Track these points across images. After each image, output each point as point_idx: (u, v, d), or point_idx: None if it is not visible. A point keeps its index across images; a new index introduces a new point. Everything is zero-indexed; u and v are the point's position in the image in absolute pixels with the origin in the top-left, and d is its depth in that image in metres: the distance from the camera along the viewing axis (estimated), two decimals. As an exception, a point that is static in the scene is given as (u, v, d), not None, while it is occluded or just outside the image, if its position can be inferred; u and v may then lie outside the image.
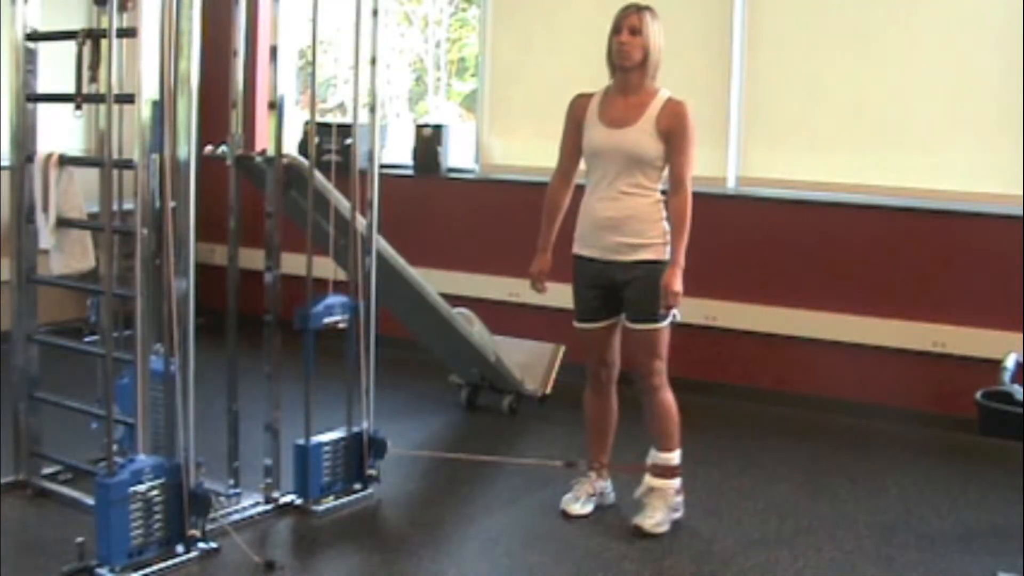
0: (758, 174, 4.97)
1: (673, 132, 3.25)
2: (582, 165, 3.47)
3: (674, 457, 3.40)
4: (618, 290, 3.34)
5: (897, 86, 4.68)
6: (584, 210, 3.38)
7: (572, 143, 3.42)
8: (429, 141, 5.63)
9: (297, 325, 3.42)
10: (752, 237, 4.93)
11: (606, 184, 3.30)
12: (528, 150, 5.42)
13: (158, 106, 2.93)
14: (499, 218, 5.46)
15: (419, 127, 5.76)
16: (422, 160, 5.65)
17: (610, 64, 3.32)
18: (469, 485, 3.79)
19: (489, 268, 5.39)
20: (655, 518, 3.34)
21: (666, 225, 3.30)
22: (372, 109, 3.54)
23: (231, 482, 3.46)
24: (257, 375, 3.47)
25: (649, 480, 3.40)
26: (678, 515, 3.42)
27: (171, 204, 2.98)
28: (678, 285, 3.24)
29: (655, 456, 3.41)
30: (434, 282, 4.37)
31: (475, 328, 4.43)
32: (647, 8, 3.28)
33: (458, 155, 5.77)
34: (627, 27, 3.25)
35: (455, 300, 4.55)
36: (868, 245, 4.71)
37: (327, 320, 3.46)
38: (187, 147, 2.97)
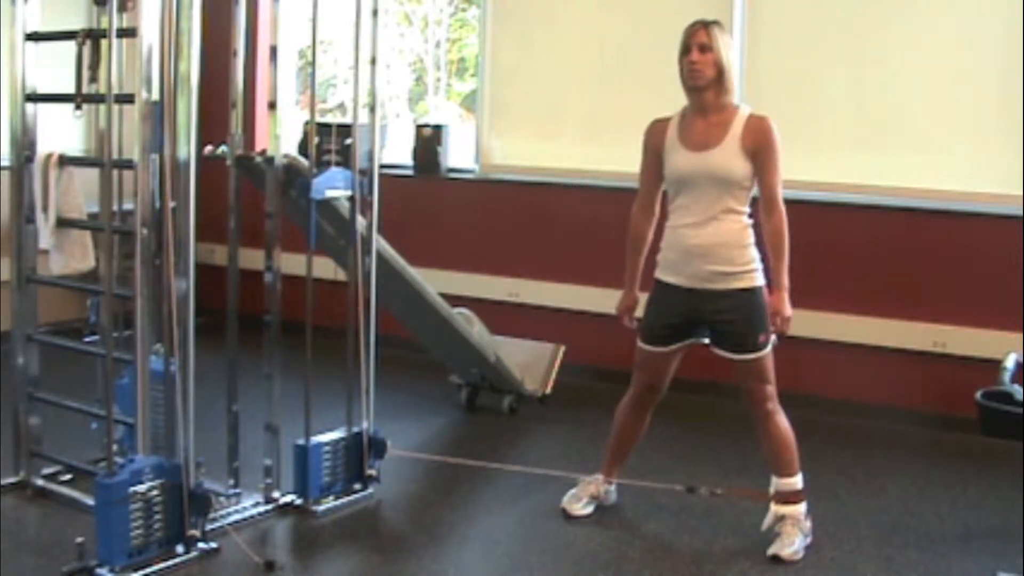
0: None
1: (760, 149, 3.15)
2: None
3: (797, 481, 3.30)
4: (701, 318, 3.25)
5: (896, 86, 4.67)
6: (670, 237, 3.27)
7: (652, 171, 3.31)
8: (429, 141, 5.62)
9: (299, 193, 3.35)
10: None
11: (694, 209, 3.20)
12: (528, 150, 5.41)
13: (158, 106, 2.93)
14: (499, 218, 5.45)
15: (419, 127, 5.76)
16: (422, 160, 5.64)
17: (685, 86, 3.21)
18: (469, 485, 3.78)
19: (489, 268, 5.37)
20: (793, 546, 3.22)
21: (755, 251, 3.23)
22: (372, 109, 3.54)
23: (231, 482, 3.46)
24: (257, 375, 3.47)
25: (776, 508, 3.28)
26: (809, 540, 3.29)
27: (171, 204, 2.98)
28: (788, 310, 3.18)
29: (777, 484, 3.30)
30: (434, 282, 4.35)
31: (475, 328, 4.42)
32: (715, 22, 3.19)
33: (458, 155, 5.75)
34: (696, 45, 3.14)
35: (455, 300, 4.54)
36: (867, 245, 4.71)
37: (330, 192, 3.40)
38: (187, 147, 2.96)
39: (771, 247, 3.20)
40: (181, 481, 2.99)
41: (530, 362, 4.64)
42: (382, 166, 3.69)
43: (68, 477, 3.53)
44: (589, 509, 3.49)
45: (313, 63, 3.57)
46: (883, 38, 4.70)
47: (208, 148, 3.42)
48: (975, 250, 4.52)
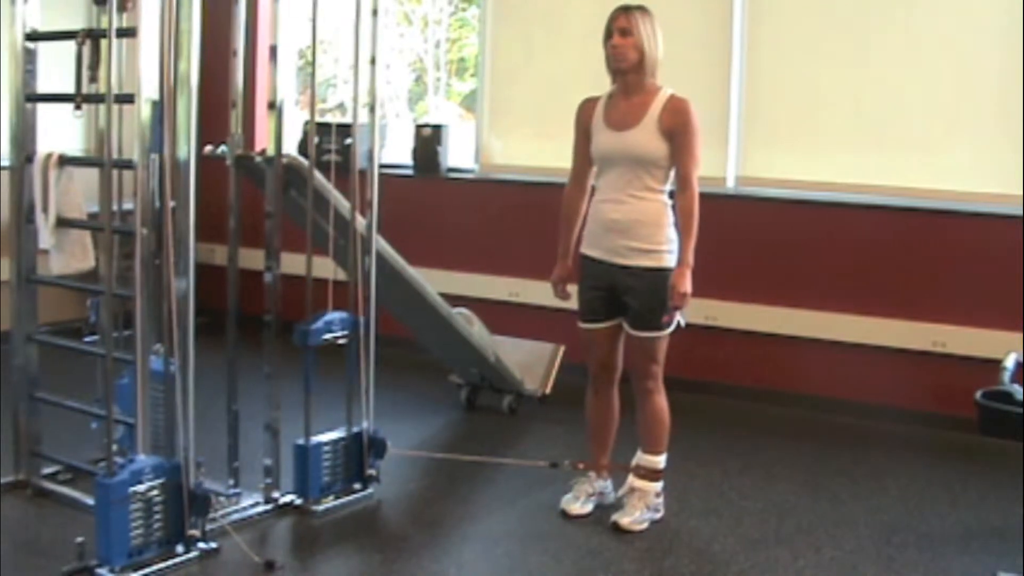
0: (758, 174, 4.96)
1: (676, 130, 3.24)
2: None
3: (660, 461, 3.41)
4: (620, 294, 3.34)
5: (898, 85, 4.67)
6: (592, 212, 3.39)
7: (583, 148, 3.42)
8: (429, 141, 5.62)
9: (296, 342, 3.41)
10: (752, 237, 4.92)
11: (614, 187, 3.30)
12: (528, 150, 5.41)
13: (158, 106, 2.93)
14: (499, 218, 5.44)
15: (419, 127, 5.75)
16: (422, 160, 5.64)
17: (609, 69, 3.31)
18: (469, 485, 3.78)
19: (489, 268, 5.38)
20: (632, 516, 3.36)
21: (673, 232, 3.29)
22: (372, 109, 3.54)
23: (231, 482, 3.45)
24: (257, 375, 3.47)
25: (632, 481, 3.42)
26: (659, 515, 3.43)
27: (171, 204, 2.98)
28: (686, 286, 3.23)
29: (641, 458, 3.42)
30: (434, 282, 4.35)
31: (475, 328, 4.42)
32: (636, 7, 3.28)
33: (458, 155, 5.75)
34: (617, 29, 3.26)
35: (455, 300, 4.54)
36: (868, 245, 4.70)
37: (327, 336, 3.45)
38: (187, 147, 2.96)
39: (681, 225, 3.26)
40: (181, 481, 2.98)
41: (530, 362, 4.65)
42: (382, 166, 3.69)
43: (68, 477, 3.52)
44: (588, 507, 3.50)
45: (313, 63, 3.57)
46: (884, 37, 4.70)
47: (208, 148, 3.42)
48: (975, 250, 4.51)
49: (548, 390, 4.62)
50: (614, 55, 3.26)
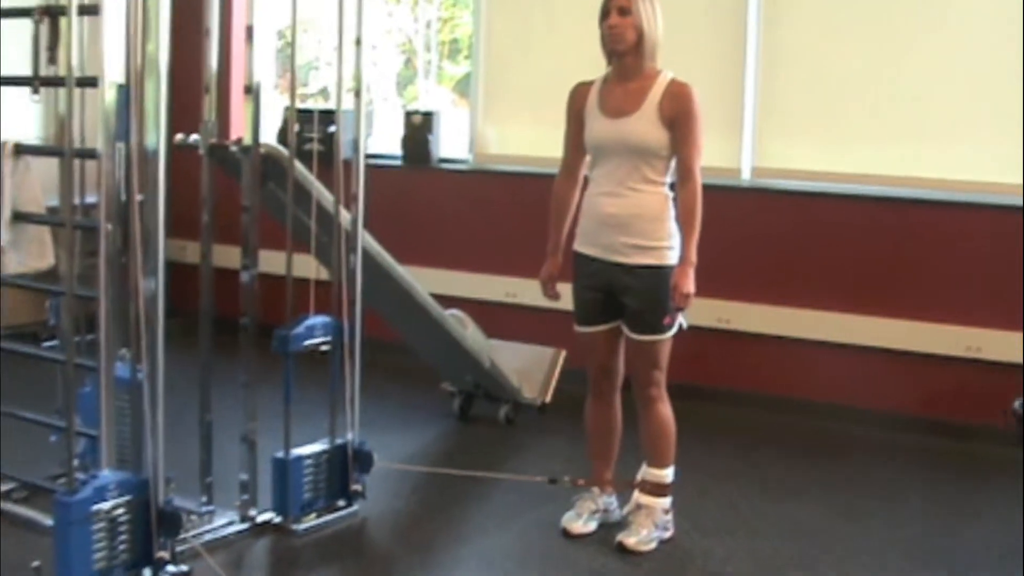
0: (774, 165, 4.95)
1: (678, 117, 3.23)
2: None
3: (667, 474, 3.40)
4: (618, 294, 3.33)
5: (926, 69, 4.66)
6: (587, 206, 3.37)
7: (575, 136, 3.41)
8: (419, 129, 5.61)
9: (276, 348, 3.41)
10: (768, 233, 4.91)
11: (610, 179, 3.29)
12: (526, 139, 5.41)
13: (124, 90, 2.92)
14: (495, 212, 5.45)
15: (408, 114, 5.75)
16: (411, 149, 5.64)
17: (605, 50, 3.30)
18: (462, 501, 3.78)
19: (484, 266, 5.38)
20: (639, 535, 3.35)
21: (674, 226, 3.28)
22: (357, 94, 3.54)
23: (203, 499, 3.44)
24: (232, 383, 3.46)
25: (638, 497, 3.41)
26: (668, 534, 3.42)
27: (138, 197, 2.96)
28: (689, 286, 3.22)
29: (646, 472, 3.41)
30: (424, 281, 4.35)
31: (469, 331, 4.43)
32: None
33: (450, 144, 5.75)
34: (615, 8, 3.23)
35: (447, 301, 4.54)
36: (896, 241, 4.68)
37: (308, 343, 3.45)
38: (156, 135, 2.95)
39: (682, 219, 3.25)
40: (149, 498, 2.97)
41: (528, 368, 4.65)
42: (368, 156, 3.69)
43: (24, 495, 3.50)
44: (591, 526, 3.49)
45: (293, 44, 3.56)
46: (911, 17, 4.68)
47: (179, 136, 3.42)
48: (1014, 247, 4.46)
49: (548, 398, 4.62)
50: (611, 35, 3.24)
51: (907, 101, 4.68)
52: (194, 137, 3.43)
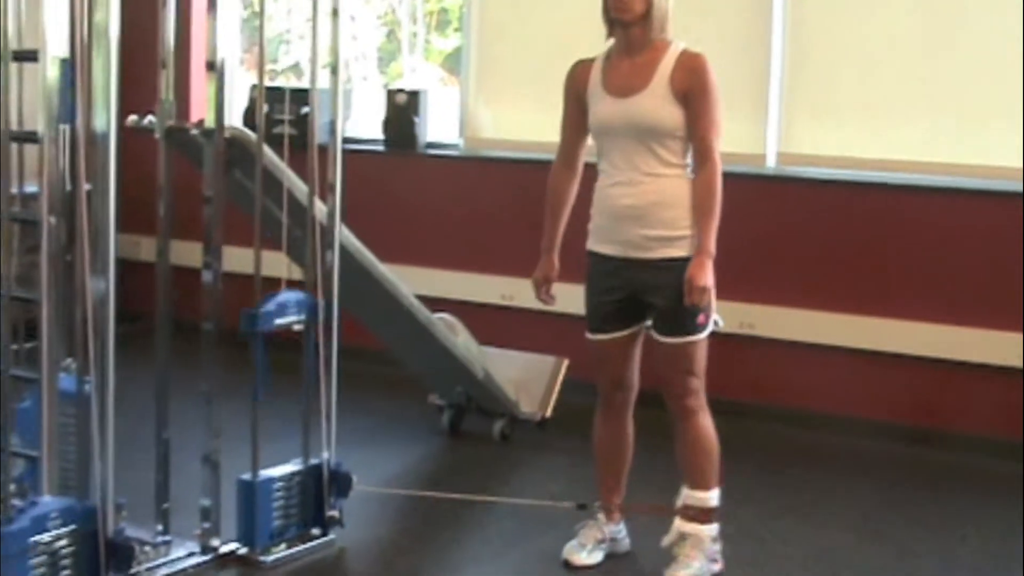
0: (803, 150, 4.94)
1: (692, 92, 3.22)
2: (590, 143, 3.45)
3: (711, 497, 3.36)
4: (641, 294, 3.31)
5: (975, 43, 4.64)
6: (598, 198, 3.36)
7: (574, 120, 3.42)
8: (403, 110, 5.62)
9: (243, 327, 3.39)
10: (797, 227, 4.90)
11: (622, 166, 3.28)
12: (525, 121, 5.40)
13: (68, 65, 2.89)
14: (489, 204, 5.45)
15: (391, 93, 5.76)
16: (395, 133, 5.65)
17: (607, 20, 3.29)
18: (452, 529, 3.77)
19: (476, 265, 5.39)
20: (690, 569, 3.29)
21: None
22: (334, 71, 3.53)
23: (159, 528, 3.42)
24: (192, 396, 3.44)
25: (680, 525, 3.35)
26: (717, 567, 3.38)
27: (85, 187, 2.96)
28: (704, 278, 3.20)
29: (688, 496, 3.36)
30: (409, 281, 4.35)
31: (459, 338, 4.43)
32: None
33: (438, 127, 5.75)
34: None
35: (435, 304, 4.53)
36: (942, 236, 4.67)
37: (280, 321, 3.43)
38: (105, 116, 2.94)
39: (698, 204, 3.25)
40: (96, 528, 2.95)
41: (526, 379, 4.66)
42: (346, 140, 3.74)
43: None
44: (597, 557, 3.48)
45: (261, 14, 3.54)
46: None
47: (132, 118, 3.40)
48: None
49: (548, 413, 4.63)
50: (616, 4, 3.23)
51: (957, 77, 4.66)
52: (149, 119, 3.41)
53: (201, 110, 3.47)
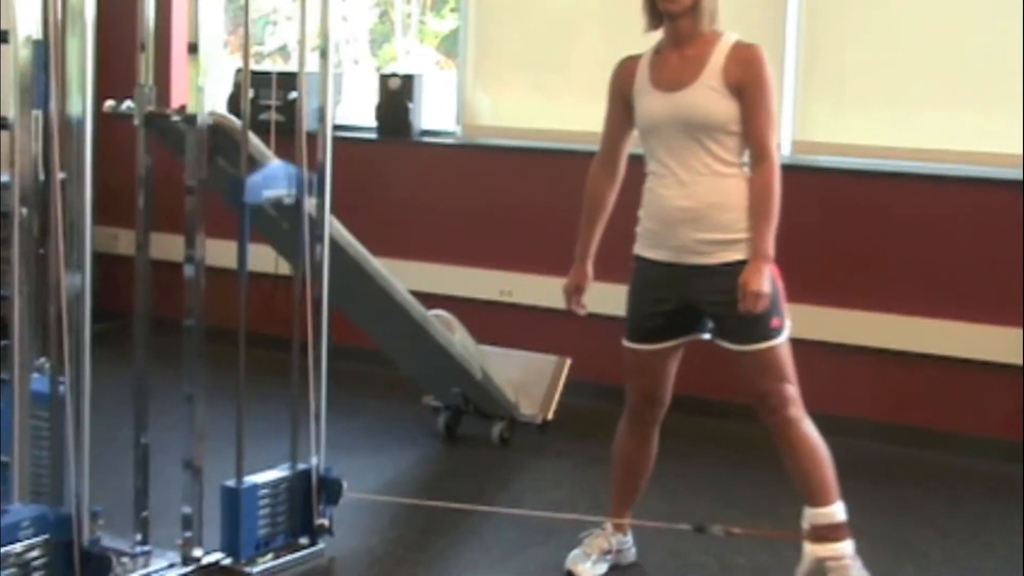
0: (820, 138, 4.96)
1: (746, 85, 3.19)
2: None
3: (837, 511, 3.28)
4: (696, 303, 3.28)
5: (999, 26, 4.62)
6: (649, 201, 3.32)
7: (617, 120, 3.39)
8: (397, 95, 5.62)
9: (229, 200, 3.34)
10: (814, 218, 4.87)
11: (673, 165, 3.25)
12: (525, 108, 5.41)
13: (41, 47, 2.89)
14: (487, 195, 5.44)
15: (384, 77, 5.76)
16: (388, 120, 5.64)
17: (649, 13, 3.26)
18: (448, 537, 3.77)
19: (474, 260, 5.38)
20: None
21: None
22: (323, 54, 3.53)
23: (138, 537, 3.41)
24: (173, 398, 3.42)
25: (814, 550, 3.27)
26: None
27: (60, 176, 2.95)
28: (760, 283, 3.16)
29: (812, 516, 3.28)
30: (403, 276, 4.33)
31: (456, 336, 4.42)
32: None
33: (434, 114, 5.76)
34: None
35: (431, 300, 4.53)
36: (970, 228, 4.66)
37: (268, 193, 3.40)
38: (80, 102, 2.93)
39: (754, 205, 3.23)
40: (71, 537, 2.94)
41: (527, 379, 4.66)
42: (336, 127, 3.75)
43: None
44: (601, 569, 3.48)
45: (247, -7, 3.57)
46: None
47: (109, 103, 3.39)
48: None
49: (550, 415, 4.63)
50: None
51: (981, 61, 4.65)
52: (127, 104, 3.39)
53: (182, 95, 3.43)
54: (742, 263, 3.20)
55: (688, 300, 3.28)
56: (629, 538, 3.53)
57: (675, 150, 3.24)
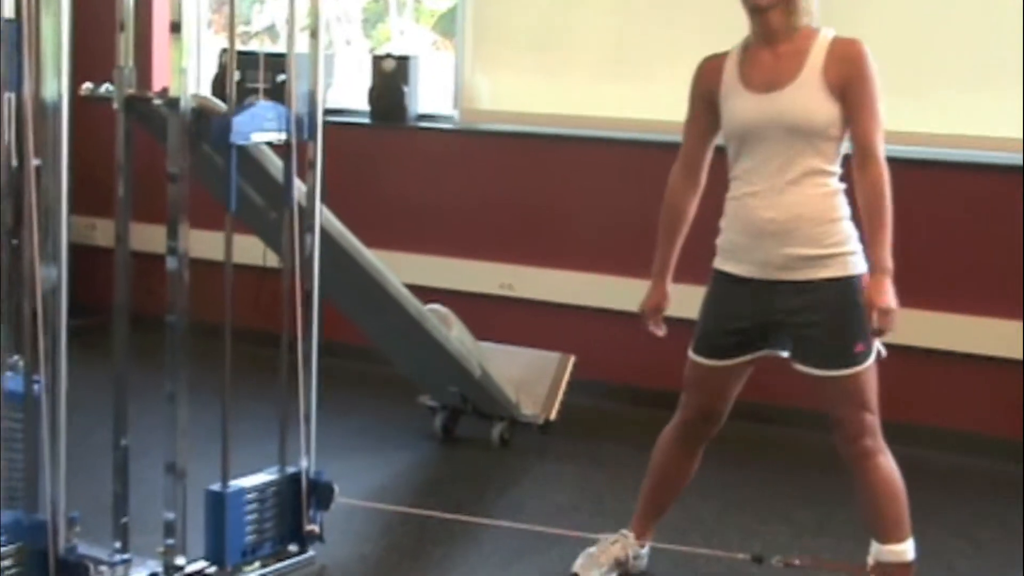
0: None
1: (850, 83, 3.14)
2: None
3: (907, 550, 3.28)
4: (779, 322, 3.25)
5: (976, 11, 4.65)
6: (733, 212, 3.28)
7: (701, 123, 3.35)
8: (391, 78, 5.62)
9: (214, 141, 3.34)
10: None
11: (762, 172, 3.20)
12: (526, 91, 5.42)
13: (14, 27, 2.90)
14: (486, 183, 5.45)
15: (377, 59, 5.76)
16: (382, 104, 5.65)
17: (745, 6, 3.19)
18: (445, 545, 3.77)
19: (472, 251, 5.39)
20: None
21: (850, 226, 3.21)
22: (314, 34, 3.52)
23: (117, 545, 3.40)
24: (155, 396, 3.40)
25: None
26: None
27: (34, 162, 2.94)
28: (887, 299, 3.13)
29: (880, 552, 3.29)
30: (397, 269, 4.34)
31: (453, 332, 4.42)
32: None
33: (431, 97, 5.77)
34: None
35: (427, 294, 4.53)
36: (967, 216, 4.65)
37: (256, 136, 3.38)
38: (56, 84, 2.92)
39: (867, 214, 3.18)
40: (46, 545, 2.94)
41: (528, 377, 4.66)
42: (327, 111, 3.67)
43: None
44: (610, 579, 3.52)
45: (232, -30, 3.56)
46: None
47: (87, 86, 3.40)
48: None
49: (553, 415, 4.63)
50: None
51: (958, 46, 4.66)
52: (106, 87, 3.39)
53: (164, 77, 3.41)
54: (831, 281, 3.17)
55: (769, 318, 3.25)
56: (646, 550, 3.53)
57: (767, 156, 3.19)
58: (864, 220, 3.19)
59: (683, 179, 3.40)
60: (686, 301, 3.44)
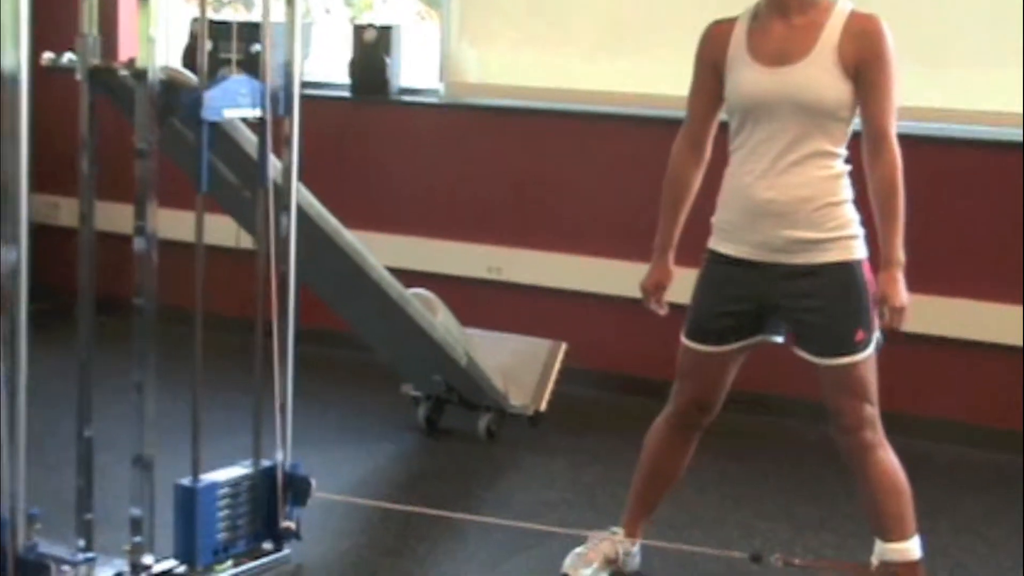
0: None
1: (865, 62, 3.12)
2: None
3: (913, 548, 3.29)
4: (775, 306, 3.25)
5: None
6: (731, 190, 3.28)
7: (706, 93, 3.33)
8: (373, 49, 5.61)
9: (185, 116, 3.33)
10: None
11: (765, 150, 3.19)
12: (516, 63, 5.43)
13: None
14: (473, 160, 5.45)
15: (358, 28, 5.76)
16: (363, 76, 5.65)
17: None
18: (429, 543, 3.77)
19: (458, 233, 5.40)
20: None
21: (853, 210, 3.21)
22: (290, 2, 3.50)
23: (80, 543, 3.38)
24: (121, 385, 3.39)
25: None
26: None
27: None
28: (900, 296, 3.14)
29: (884, 551, 3.30)
30: (379, 251, 4.31)
31: (438, 317, 4.42)
32: None
33: (415, 70, 5.78)
34: None
35: (410, 277, 4.51)
36: (968, 194, 4.66)
37: (229, 112, 3.37)
38: (14, 54, 2.91)
39: (879, 202, 3.18)
40: (4, 543, 2.94)
41: (517, 366, 4.67)
42: (305, 84, 3.66)
43: None
44: (602, 578, 3.53)
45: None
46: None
47: (47, 56, 3.37)
48: None
49: (543, 406, 4.63)
50: None
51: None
52: (68, 57, 3.36)
53: (131, 47, 3.40)
54: (830, 265, 3.18)
55: (765, 302, 3.25)
56: (637, 547, 3.54)
57: (771, 133, 3.18)
58: (876, 210, 3.19)
59: (687, 151, 3.39)
60: (684, 286, 3.43)
